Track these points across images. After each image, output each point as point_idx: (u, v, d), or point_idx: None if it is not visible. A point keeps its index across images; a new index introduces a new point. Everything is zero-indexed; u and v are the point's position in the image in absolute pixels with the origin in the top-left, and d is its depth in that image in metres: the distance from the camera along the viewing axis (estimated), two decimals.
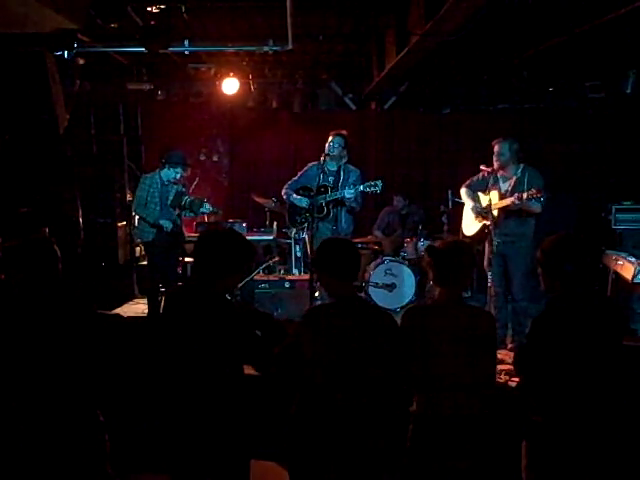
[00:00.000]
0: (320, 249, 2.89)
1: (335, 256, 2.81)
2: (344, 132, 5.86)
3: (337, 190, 5.71)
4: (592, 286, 2.85)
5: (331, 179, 5.80)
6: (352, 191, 5.60)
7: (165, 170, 6.20)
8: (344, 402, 2.65)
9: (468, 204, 5.68)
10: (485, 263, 5.40)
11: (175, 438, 2.71)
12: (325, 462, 2.67)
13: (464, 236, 5.73)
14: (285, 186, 6.01)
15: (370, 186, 5.59)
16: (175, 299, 2.88)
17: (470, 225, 5.68)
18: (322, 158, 5.69)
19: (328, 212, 5.75)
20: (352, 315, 2.73)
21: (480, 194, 5.58)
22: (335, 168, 5.83)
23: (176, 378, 2.69)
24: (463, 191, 5.75)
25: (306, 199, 5.82)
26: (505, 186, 5.46)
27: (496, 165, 5.47)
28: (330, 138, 5.80)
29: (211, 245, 2.74)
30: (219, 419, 2.66)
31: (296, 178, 6.02)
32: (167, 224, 6.12)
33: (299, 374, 2.73)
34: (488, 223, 5.33)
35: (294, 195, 5.92)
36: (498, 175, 5.51)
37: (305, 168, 6.01)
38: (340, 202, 5.73)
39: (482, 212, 5.47)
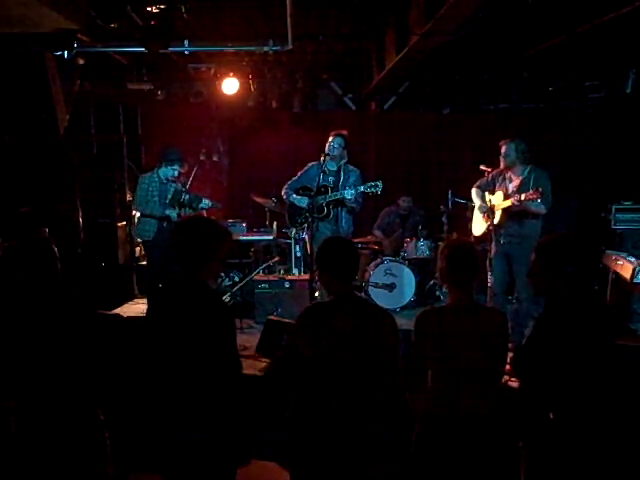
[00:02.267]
0: (322, 248, 2.89)
1: (337, 256, 2.80)
2: (344, 132, 5.87)
3: (337, 190, 5.71)
4: (591, 286, 2.85)
5: (331, 179, 5.81)
6: (352, 192, 5.60)
7: (163, 168, 6.23)
8: (343, 401, 2.65)
9: (477, 204, 5.70)
10: (488, 263, 5.42)
11: (164, 435, 2.70)
12: (326, 461, 2.68)
13: (473, 236, 5.75)
14: (285, 186, 6.02)
15: (370, 187, 5.59)
16: (161, 294, 2.87)
17: (478, 225, 5.72)
18: (322, 158, 5.69)
19: (328, 212, 5.75)
20: (351, 313, 2.72)
21: (487, 194, 5.60)
22: (335, 168, 5.83)
23: (164, 373, 2.68)
24: (473, 191, 5.79)
25: (306, 199, 5.82)
26: (511, 186, 5.48)
27: (502, 165, 5.49)
28: (330, 138, 5.80)
29: (182, 234, 2.76)
30: (211, 415, 2.65)
31: (296, 178, 6.02)
32: (173, 214, 6.17)
33: (296, 374, 2.73)
34: (489, 223, 5.35)
35: (294, 195, 5.93)
36: (506, 175, 5.52)
37: (305, 168, 6.01)
38: (340, 202, 5.73)
39: (487, 211, 5.49)
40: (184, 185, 6.43)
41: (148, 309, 2.94)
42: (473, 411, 2.70)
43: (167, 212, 6.17)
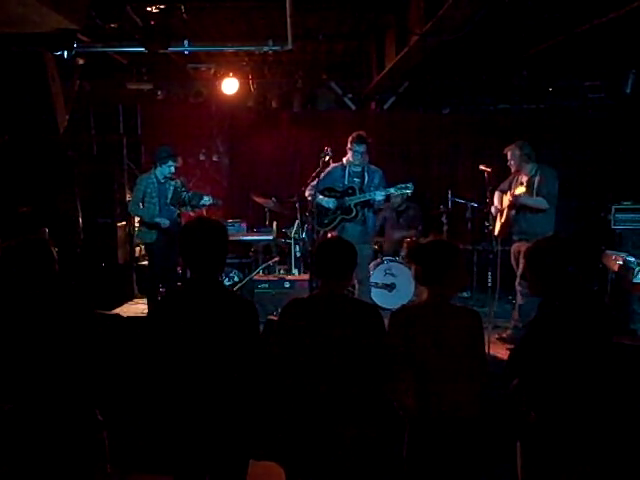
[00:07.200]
0: (315, 252, 2.97)
1: (321, 257, 2.88)
2: (362, 134, 5.89)
3: (363, 191, 5.78)
4: (588, 286, 2.88)
5: (357, 180, 5.90)
6: (383, 193, 5.73)
7: (159, 168, 6.23)
8: (326, 395, 2.68)
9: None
10: (512, 260, 5.59)
11: (176, 436, 2.71)
12: (316, 458, 2.70)
13: (494, 236, 5.79)
14: (308, 187, 5.96)
15: (401, 188, 5.69)
16: (177, 296, 2.88)
17: (498, 225, 5.85)
18: (345, 160, 5.79)
19: (357, 213, 5.82)
20: (331, 308, 2.76)
21: (504, 195, 5.77)
22: (359, 169, 5.91)
23: (181, 374, 2.69)
24: (495, 194, 5.89)
25: (333, 200, 5.87)
26: (522, 186, 5.62)
27: (513, 170, 5.65)
28: (350, 145, 5.82)
29: (198, 238, 2.75)
30: (221, 415, 2.67)
31: (320, 179, 5.99)
32: (164, 221, 6.14)
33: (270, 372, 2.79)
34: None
35: (320, 196, 5.92)
36: (518, 177, 5.69)
37: (328, 169, 5.97)
38: (367, 203, 5.79)
39: (498, 212, 5.70)
40: (184, 184, 6.44)
41: (161, 312, 2.90)
42: (450, 412, 2.68)
43: (156, 219, 6.13)
